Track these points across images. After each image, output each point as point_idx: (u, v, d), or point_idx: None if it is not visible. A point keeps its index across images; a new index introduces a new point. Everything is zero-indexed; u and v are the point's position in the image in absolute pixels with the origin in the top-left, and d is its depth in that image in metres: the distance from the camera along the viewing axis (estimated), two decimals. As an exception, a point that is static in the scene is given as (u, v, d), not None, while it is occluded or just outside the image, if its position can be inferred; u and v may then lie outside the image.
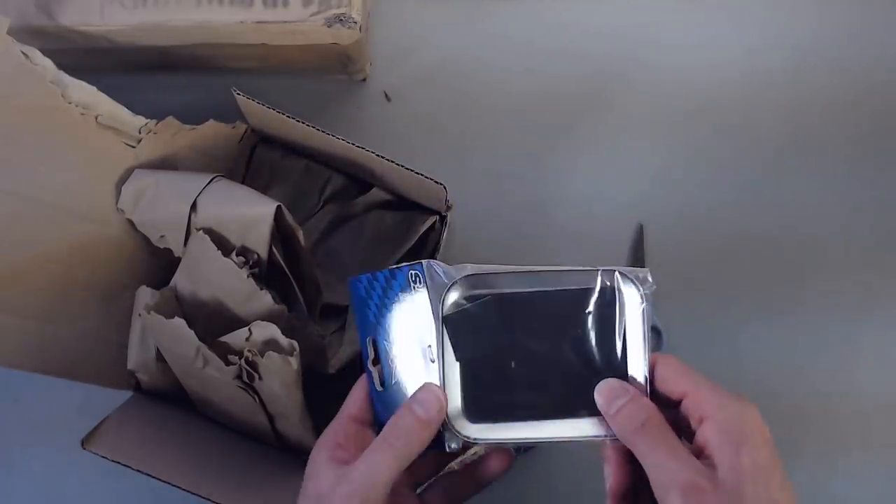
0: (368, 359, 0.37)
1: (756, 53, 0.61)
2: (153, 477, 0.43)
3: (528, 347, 0.35)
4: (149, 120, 0.49)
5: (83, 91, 0.45)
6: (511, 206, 0.60)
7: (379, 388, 0.37)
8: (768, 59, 0.61)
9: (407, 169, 0.47)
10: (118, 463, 0.44)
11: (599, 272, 0.35)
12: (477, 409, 0.35)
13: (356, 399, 0.38)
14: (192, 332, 0.46)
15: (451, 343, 0.35)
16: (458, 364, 0.35)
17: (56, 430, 0.57)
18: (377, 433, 0.36)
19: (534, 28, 0.61)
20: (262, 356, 0.45)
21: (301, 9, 0.49)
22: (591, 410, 0.35)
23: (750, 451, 0.31)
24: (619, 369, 0.35)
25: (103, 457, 0.44)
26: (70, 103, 0.44)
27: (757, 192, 0.59)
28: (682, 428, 0.34)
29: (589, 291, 0.35)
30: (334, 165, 0.55)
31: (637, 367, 0.35)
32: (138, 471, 0.44)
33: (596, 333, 0.35)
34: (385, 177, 0.53)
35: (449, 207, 0.52)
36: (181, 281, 0.50)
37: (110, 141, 0.47)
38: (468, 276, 0.35)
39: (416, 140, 0.61)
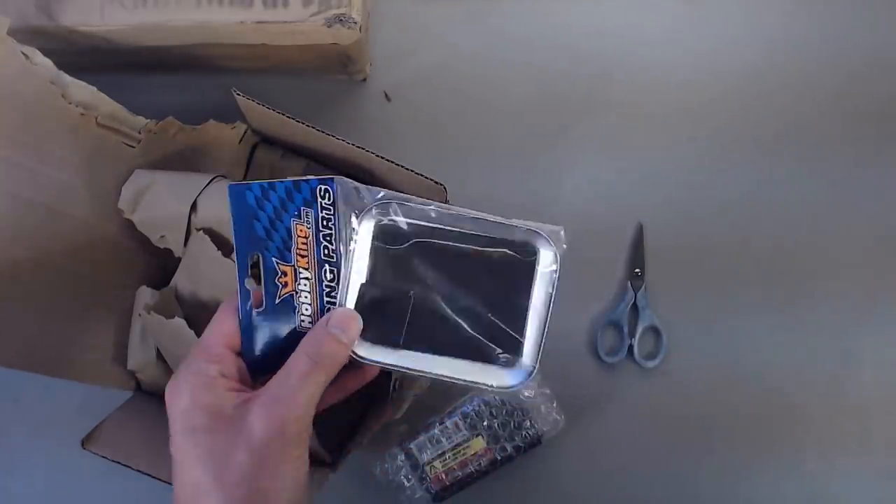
0: (246, 276, 0.35)
1: (756, 53, 0.61)
2: (153, 477, 0.43)
3: (433, 282, 0.35)
4: (149, 120, 0.49)
5: (83, 91, 0.45)
6: (511, 207, 0.59)
7: (258, 307, 0.35)
8: (768, 58, 0.61)
9: (407, 169, 0.47)
10: (118, 463, 0.44)
11: (516, 227, 0.35)
12: (370, 329, 0.35)
13: (231, 326, 0.36)
14: (192, 332, 0.46)
15: (359, 263, 0.35)
16: (360, 284, 0.35)
17: (56, 430, 0.57)
18: (244, 359, 0.35)
19: (534, 28, 0.61)
20: (262, 356, 0.45)
21: (301, 9, 0.49)
22: (480, 357, 0.35)
23: None
24: (516, 324, 0.35)
25: (103, 457, 0.44)
26: (70, 103, 0.44)
27: (757, 192, 0.59)
28: None
29: (504, 242, 0.35)
30: (334, 166, 0.55)
31: (535, 325, 0.35)
32: (138, 471, 0.44)
33: (502, 284, 0.35)
34: (385, 177, 0.53)
35: (449, 207, 0.52)
36: (181, 281, 0.50)
37: (110, 141, 0.47)
38: (384, 201, 0.35)
39: (416, 140, 0.61)
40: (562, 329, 0.49)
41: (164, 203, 0.48)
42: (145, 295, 0.51)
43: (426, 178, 0.47)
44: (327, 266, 0.35)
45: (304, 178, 0.35)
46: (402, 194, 0.35)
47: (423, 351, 0.35)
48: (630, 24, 0.61)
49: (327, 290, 0.35)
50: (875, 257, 0.59)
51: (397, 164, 0.47)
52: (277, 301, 0.35)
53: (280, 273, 0.35)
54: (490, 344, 0.36)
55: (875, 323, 0.58)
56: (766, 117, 0.60)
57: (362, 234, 0.35)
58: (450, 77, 0.61)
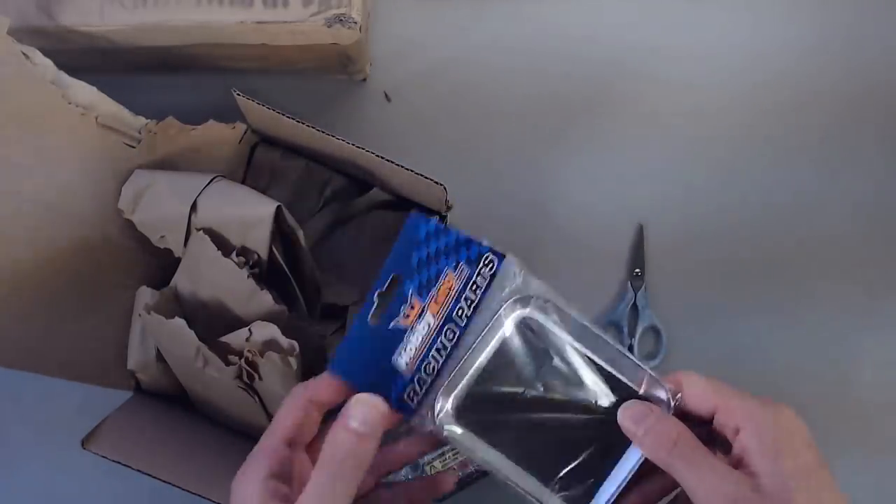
0: (379, 288, 0.35)
1: (755, 54, 0.61)
2: (153, 477, 0.43)
3: (549, 396, 0.34)
4: (149, 120, 0.49)
5: (83, 91, 0.45)
6: (511, 207, 0.60)
7: (372, 320, 0.35)
8: (768, 60, 0.61)
9: (407, 169, 0.47)
10: (118, 463, 0.44)
11: (642, 370, 0.34)
12: (467, 411, 0.34)
13: (294, 417, 0.34)
14: (192, 332, 0.46)
15: (487, 344, 0.34)
16: (481, 363, 0.34)
17: (56, 430, 0.57)
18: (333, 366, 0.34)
19: (534, 28, 0.61)
20: (263, 356, 0.45)
21: (301, 9, 0.49)
22: (553, 483, 0.34)
23: (791, 454, 0.30)
24: (601, 467, 0.34)
25: (103, 457, 0.44)
26: (70, 104, 0.44)
27: (757, 193, 0.59)
28: (719, 444, 0.33)
29: (626, 386, 0.34)
30: (334, 166, 0.55)
31: (620, 473, 0.34)
32: (138, 471, 0.44)
33: (609, 425, 0.34)
34: (385, 177, 0.53)
35: (449, 207, 0.52)
36: (181, 281, 0.50)
37: (110, 141, 0.47)
38: (543, 297, 0.34)
39: (415, 140, 0.61)
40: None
41: (164, 203, 0.48)
42: (145, 295, 0.51)
43: (426, 178, 0.47)
44: (452, 325, 0.34)
45: (480, 240, 0.34)
46: (557, 296, 0.35)
47: (505, 453, 0.34)
48: (631, 24, 0.61)
49: (439, 346, 0.34)
50: (876, 257, 0.59)
51: (397, 165, 0.47)
52: (390, 326, 0.35)
53: (409, 304, 0.35)
54: (569, 476, 0.34)
55: (875, 322, 0.58)
56: (766, 118, 0.60)
57: (505, 319, 0.34)
58: (450, 77, 0.61)
